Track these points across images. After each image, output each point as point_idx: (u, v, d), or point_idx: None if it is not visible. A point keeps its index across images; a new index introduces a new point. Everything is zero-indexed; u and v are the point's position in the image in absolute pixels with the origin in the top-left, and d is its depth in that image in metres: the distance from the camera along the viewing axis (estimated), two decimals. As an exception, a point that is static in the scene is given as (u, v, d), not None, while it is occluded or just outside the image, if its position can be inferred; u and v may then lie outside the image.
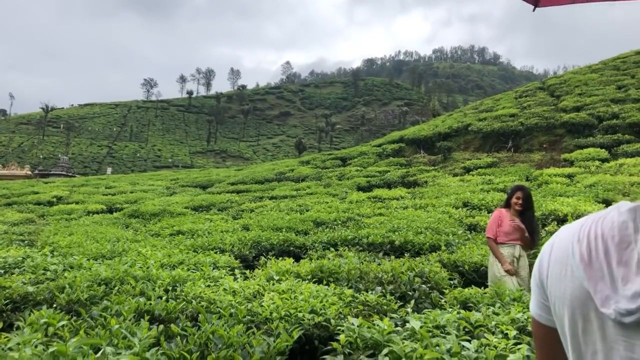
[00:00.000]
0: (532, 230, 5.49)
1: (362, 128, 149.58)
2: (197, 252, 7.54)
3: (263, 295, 4.20)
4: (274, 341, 2.91)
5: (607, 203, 10.31)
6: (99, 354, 2.35)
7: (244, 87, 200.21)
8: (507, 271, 5.22)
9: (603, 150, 18.93)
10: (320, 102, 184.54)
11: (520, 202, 5.52)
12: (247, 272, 5.66)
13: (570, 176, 15.70)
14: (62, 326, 2.92)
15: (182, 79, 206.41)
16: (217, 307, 3.77)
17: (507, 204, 5.65)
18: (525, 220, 5.49)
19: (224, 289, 4.36)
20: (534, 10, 2.24)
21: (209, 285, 4.62)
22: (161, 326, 3.22)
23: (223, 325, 3.12)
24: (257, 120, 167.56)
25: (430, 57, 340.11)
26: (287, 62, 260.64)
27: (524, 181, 16.05)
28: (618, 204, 0.94)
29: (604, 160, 17.62)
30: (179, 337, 2.95)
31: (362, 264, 5.66)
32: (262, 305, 3.75)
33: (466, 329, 3.14)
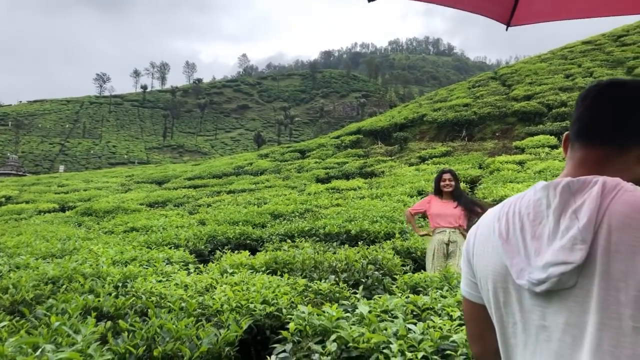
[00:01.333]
0: (470, 202, 5.55)
1: (321, 120, 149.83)
2: (150, 248, 7.43)
3: (215, 289, 4.18)
4: (223, 332, 2.91)
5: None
6: (37, 352, 2.29)
7: (200, 80, 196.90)
8: (422, 235, 5.75)
9: (552, 137, 19.53)
10: (279, 94, 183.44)
11: (448, 182, 5.51)
12: (201, 266, 5.61)
13: (521, 163, 16.15)
14: (2, 327, 2.83)
15: (136, 74, 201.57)
16: (168, 301, 3.72)
17: (438, 191, 5.60)
18: (461, 201, 5.48)
19: (176, 284, 4.32)
20: (506, 30, 2.23)
21: (160, 281, 4.56)
22: (109, 322, 3.17)
23: (172, 319, 3.09)
24: (215, 114, 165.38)
25: (386, 48, 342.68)
26: (244, 55, 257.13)
27: (477, 169, 16.43)
28: (535, 184, 1.00)
29: (553, 147, 18.18)
30: (126, 333, 2.90)
31: (317, 253, 5.69)
32: (213, 298, 3.73)
33: (414, 312, 3.20)
